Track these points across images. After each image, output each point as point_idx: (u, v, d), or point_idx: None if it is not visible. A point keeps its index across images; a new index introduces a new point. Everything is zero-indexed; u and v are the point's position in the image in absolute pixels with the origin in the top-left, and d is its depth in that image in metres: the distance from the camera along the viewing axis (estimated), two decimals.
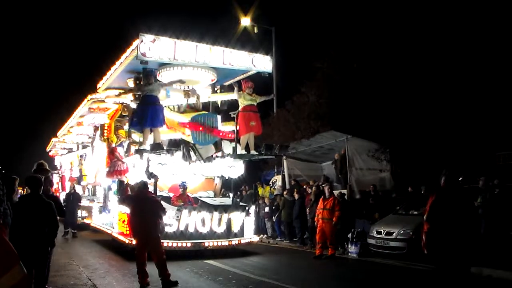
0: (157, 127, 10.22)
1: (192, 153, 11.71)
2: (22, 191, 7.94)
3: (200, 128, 10.80)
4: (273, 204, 14.19)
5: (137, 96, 10.58)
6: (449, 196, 5.19)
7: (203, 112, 11.82)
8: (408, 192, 11.73)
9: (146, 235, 7.17)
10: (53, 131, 21.76)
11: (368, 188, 12.30)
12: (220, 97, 12.02)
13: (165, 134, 11.32)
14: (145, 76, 10.19)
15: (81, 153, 17.94)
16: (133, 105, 11.07)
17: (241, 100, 10.54)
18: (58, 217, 5.82)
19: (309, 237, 12.28)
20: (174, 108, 12.41)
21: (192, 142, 11.16)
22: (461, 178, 5.68)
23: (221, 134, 11.24)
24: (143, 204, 7.33)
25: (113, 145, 12.61)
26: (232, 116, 11.53)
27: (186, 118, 11.15)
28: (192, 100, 11.89)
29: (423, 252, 5.46)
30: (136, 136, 11.71)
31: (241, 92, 10.60)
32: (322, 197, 10.67)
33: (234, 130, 10.96)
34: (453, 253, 5.03)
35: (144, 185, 7.80)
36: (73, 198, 15.24)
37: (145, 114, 10.00)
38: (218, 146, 11.63)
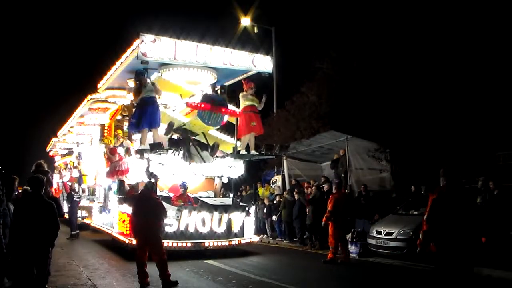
0: (155, 128, 10.21)
1: (192, 152, 11.65)
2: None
3: (209, 106, 10.35)
4: (272, 204, 14.20)
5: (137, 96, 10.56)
6: (451, 197, 5.19)
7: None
8: (411, 192, 11.74)
9: (147, 235, 7.17)
10: (53, 131, 21.78)
11: (360, 188, 12.32)
12: None
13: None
14: (138, 79, 10.12)
15: (78, 152, 17.95)
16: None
17: (242, 100, 10.54)
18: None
19: (309, 237, 12.29)
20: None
21: (200, 120, 10.80)
22: (461, 177, 5.68)
23: (229, 111, 10.84)
24: (146, 205, 7.33)
25: (112, 145, 12.61)
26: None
27: (187, 118, 11.11)
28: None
29: (418, 250, 5.48)
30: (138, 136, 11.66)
31: (243, 93, 10.61)
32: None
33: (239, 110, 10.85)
34: (455, 254, 5.04)
35: (149, 186, 7.81)
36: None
37: (142, 115, 10.00)
38: (214, 151, 11.48)
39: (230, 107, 11.19)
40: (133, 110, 11.23)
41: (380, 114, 14.15)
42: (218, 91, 11.95)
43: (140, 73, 10.04)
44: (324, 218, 9.77)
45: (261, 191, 16.33)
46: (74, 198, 14.92)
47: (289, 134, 17.61)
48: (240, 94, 10.66)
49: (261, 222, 14.63)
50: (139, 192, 8.23)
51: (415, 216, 10.24)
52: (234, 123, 11.14)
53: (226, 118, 10.92)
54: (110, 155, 12.14)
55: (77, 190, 16.33)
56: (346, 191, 12.24)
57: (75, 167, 18.04)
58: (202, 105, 10.37)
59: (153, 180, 9.80)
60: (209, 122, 10.56)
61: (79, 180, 17.41)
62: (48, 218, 5.46)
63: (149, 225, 7.18)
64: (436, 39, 14.23)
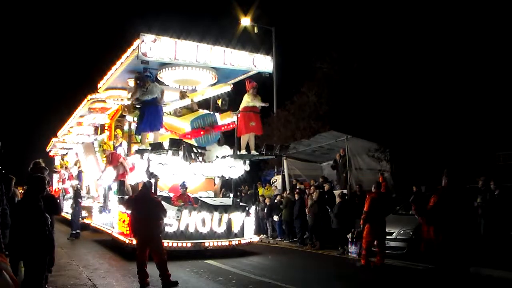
0: (155, 130, 10.26)
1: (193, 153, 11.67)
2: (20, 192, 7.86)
3: (202, 133, 10.74)
4: (272, 204, 14.20)
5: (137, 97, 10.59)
6: (452, 197, 5.19)
7: (201, 112, 11.68)
8: (412, 192, 11.72)
9: (147, 235, 7.17)
10: (53, 131, 21.79)
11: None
12: (213, 92, 11.90)
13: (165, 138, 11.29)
14: (141, 81, 10.19)
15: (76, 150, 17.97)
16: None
17: (247, 100, 10.53)
18: (55, 215, 5.79)
19: (309, 237, 12.29)
20: (170, 113, 12.30)
21: (196, 144, 11.06)
22: (463, 178, 5.69)
23: (222, 128, 11.12)
24: (145, 205, 7.32)
25: (112, 150, 12.58)
26: (232, 114, 11.54)
27: (185, 121, 11.14)
28: (187, 102, 11.86)
29: (422, 252, 5.47)
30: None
31: (247, 93, 10.63)
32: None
33: (232, 121, 11.01)
34: (454, 253, 5.05)
35: (148, 185, 7.80)
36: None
37: (144, 117, 10.05)
38: (220, 141, 11.63)
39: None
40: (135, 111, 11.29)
41: (380, 114, 14.16)
42: (219, 104, 11.95)
43: (145, 76, 10.11)
44: (361, 221, 9.18)
45: (261, 191, 16.30)
46: (79, 199, 14.82)
47: (289, 134, 17.62)
48: (246, 95, 10.68)
49: (261, 222, 14.62)
50: (138, 192, 8.22)
51: (415, 216, 10.20)
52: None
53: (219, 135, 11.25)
54: (111, 159, 12.07)
55: (80, 190, 16.25)
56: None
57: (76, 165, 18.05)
58: (194, 134, 10.68)
59: (152, 180, 9.81)
60: (203, 143, 10.94)
61: (79, 177, 17.37)
62: (42, 217, 5.42)
63: (149, 225, 7.17)
64: (436, 39, 14.24)
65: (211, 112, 11.80)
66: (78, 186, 16.46)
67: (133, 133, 12.12)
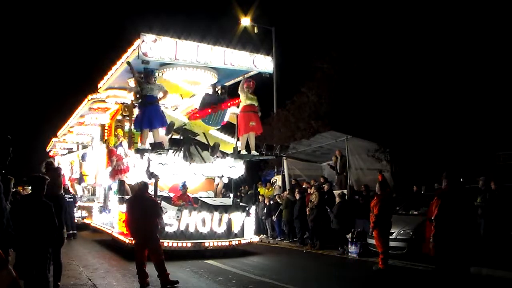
0: (156, 128, 10.22)
1: (192, 152, 11.63)
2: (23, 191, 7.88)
3: (209, 110, 10.37)
4: (272, 204, 14.20)
5: (138, 96, 10.56)
6: (454, 199, 5.20)
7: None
8: (412, 192, 11.74)
9: (145, 235, 7.17)
10: (53, 131, 21.77)
11: (361, 188, 12.28)
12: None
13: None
14: (145, 76, 10.18)
15: (82, 152, 17.94)
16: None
17: (242, 98, 10.52)
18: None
19: (309, 237, 12.29)
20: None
21: (205, 124, 10.82)
22: (461, 179, 5.71)
23: (229, 104, 10.70)
24: (142, 205, 7.32)
25: (112, 146, 12.61)
26: (232, 115, 11.52)
27: (186, 118, 11.11)
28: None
29: (423, 253, 5.47)
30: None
31: (243, 89, 10.59)
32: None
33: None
34: (456, 254, 5.05)
35: (144, 185, 7.80)
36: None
37: (144, 115, 10.02)
38: (214, 151, 11.46)
39: None
40: (134, 109, 11.23)
41: (380, 114, 14.17)
42: (219, 91, 11.94)
43: (150, 71, 10.06)
44: (371, 224, 8.88)
45: (263, 191, 16.30)
46: (66, 199, 14.56)
47: (289, 134, 17.62)
48: (240, 90, 10.64)
49: (262, 221, 14.63)
50: (135, 192, 8.21)
51: (415, 216, 10.23)
52: (235, 123, 11.14)
53: (226, 118, 10.92)
54: (109, 156, 12.12)
55: (71, 190, 16.08)
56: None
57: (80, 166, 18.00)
58: (202, 113, 10.38)
59: (152, 180, 9.81)
60: (210, 123, 10.59)
61: (80, 180, 17.35)
62: (45, 218, 5.43)
63: (147, 224, 7.17)
64: (436, 39, 14.25)
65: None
66: (68, 186, 16.28)
67: (133, 133, 12.09)
